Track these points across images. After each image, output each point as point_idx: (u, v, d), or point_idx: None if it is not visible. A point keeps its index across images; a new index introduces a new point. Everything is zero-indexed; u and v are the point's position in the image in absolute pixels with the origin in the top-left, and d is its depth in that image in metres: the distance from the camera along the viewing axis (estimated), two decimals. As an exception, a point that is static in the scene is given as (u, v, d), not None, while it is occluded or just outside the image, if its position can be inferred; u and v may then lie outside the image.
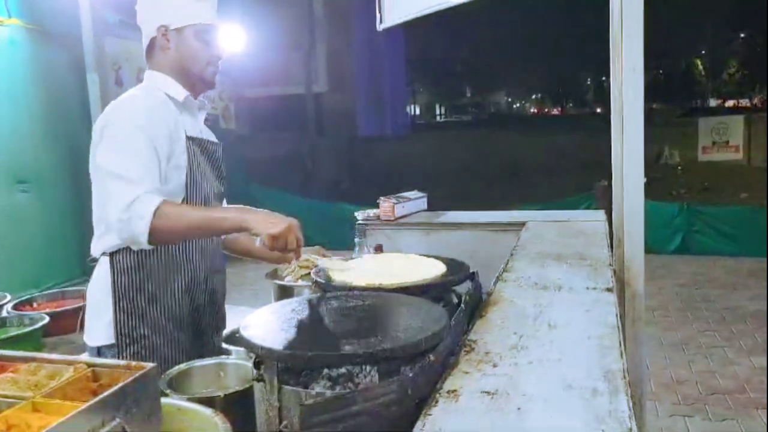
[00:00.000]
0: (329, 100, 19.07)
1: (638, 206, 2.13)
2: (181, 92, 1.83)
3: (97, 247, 1.80)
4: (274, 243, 1.57)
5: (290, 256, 1.68)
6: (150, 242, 1.59)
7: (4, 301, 2.54)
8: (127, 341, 1.75)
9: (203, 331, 1.91)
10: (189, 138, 1.81)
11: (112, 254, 1.76)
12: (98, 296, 1.80)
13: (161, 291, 1.79)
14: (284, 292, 1.97)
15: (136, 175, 1.62)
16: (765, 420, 3.78)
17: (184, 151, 1.78)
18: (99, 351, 1.79)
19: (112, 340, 1.76)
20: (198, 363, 1.53)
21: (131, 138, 1.67)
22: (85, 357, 1.42)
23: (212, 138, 1.98)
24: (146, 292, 1.77)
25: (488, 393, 0.97)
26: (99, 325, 1.79)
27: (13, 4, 4.93)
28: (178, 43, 1.81)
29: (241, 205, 1.73)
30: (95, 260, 1.83)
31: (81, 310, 2.29)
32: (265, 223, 1.57)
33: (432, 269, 1.63)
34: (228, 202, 2.07)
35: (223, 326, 1.98)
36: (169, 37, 1.81)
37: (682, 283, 6.98)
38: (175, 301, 1.82)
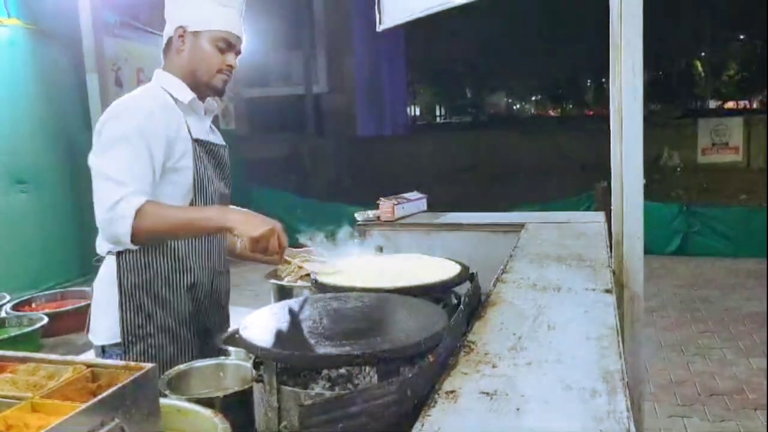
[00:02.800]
0: (329, 100, 19.09)
1: (637, 207, 2.13)
2: (187, 94, 1.82)
3: (103, 246, 1.80)
4: (255, 245, 1.59)
5: (275, 258, 1.69)
6: (133, 242, 1.61)
7: (3, 302, 2.54)
8: (133, 340, 1.75)
9: (207, 330, 1.91)
10: (195, 140, 1.81)
11: (118, 253, 1.76)
12: (104, 295, 1.80)
13: (167, 290, 1.79)
14: (284, 293, 1.97)
15: (124, 176, 1.63)
16: (763, 421, 3.78)
17: (190, 154, 1.78)
18: (103, 350, 1.79)
19: (117, 339, 1.76)
20: (197, 364, 1.53)
21: (124, 139, 1.66)
22: (84, 357, 1.42)
23: (219, 141, 1.98)
24: (152, 292, 1.77)
25: (487, 394, 0.98)
26: (104, 323, 1.79)
27: (12, 4, 4.93)
28: (192, 47, 1.80)
29: (225, 206, 1.75)
30: (101, 259, 1.84)
31: (81, 310, 2.29)
32: (247, 224, 1.59)
33: (444, 270, 1.63)
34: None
35: (228, 325, 1.98)
36: (185, 39, 1.79)
37: (681, 284, 6.99)
38: (180, 301, 1.82)
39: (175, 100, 1.81)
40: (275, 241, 1.61)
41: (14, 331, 2.17)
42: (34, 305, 2.56)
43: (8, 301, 2.54)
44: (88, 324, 1.87)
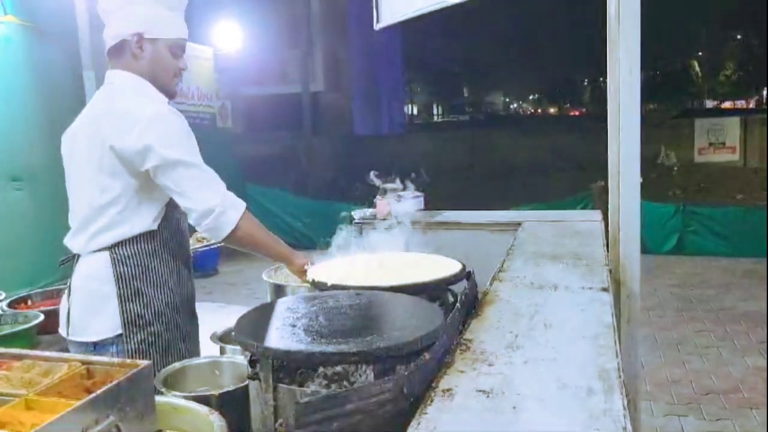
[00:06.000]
0: (326, 99, 19.07)
1: (634, 206, 2.13)
2: (162, 98, 1.85)
3: (90, 245, 1.77)
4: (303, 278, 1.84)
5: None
6: (228, 237, 1.73)
7: (-1, 299, 2.53)
8: (135, 330, 1.76)
9: (195, 312, 1.97)
10: None
11: (111, 247, 1.76)
12: (94, 291, 1.78)
13: (163, 275, 1.82)
14: (281, 292, 1.97)
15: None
16: (759, 420, 3.79)
17: None
18: (95, 346, 1.77)
19: (109, 334, 1.75)
20: (193, 361, 1.53)
21: (188, 132, 1.76)
22: (79, 355, 1.41)
23: None
24: (148, 278, 1.79)
25: (483, 392, 0.97)
26: (98, 319, 1.77)
27: (8, 1, 4.91)
28: (152, 54, 1.82)
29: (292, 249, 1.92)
30: (67, 260, 1.85)
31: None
32: (301, 267, 1.85)
33: (441, 268, 1.63)
34: None
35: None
36: (143, 46, 1.80)
37: (678, 283, 7.01)
38: (172, 286, 1.85)
39: None
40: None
41: (9, 329, 2.16)
42: (29, 303, 2.55)
43: (4, 299, 2.53)
44: (68, 323, 1.83)
